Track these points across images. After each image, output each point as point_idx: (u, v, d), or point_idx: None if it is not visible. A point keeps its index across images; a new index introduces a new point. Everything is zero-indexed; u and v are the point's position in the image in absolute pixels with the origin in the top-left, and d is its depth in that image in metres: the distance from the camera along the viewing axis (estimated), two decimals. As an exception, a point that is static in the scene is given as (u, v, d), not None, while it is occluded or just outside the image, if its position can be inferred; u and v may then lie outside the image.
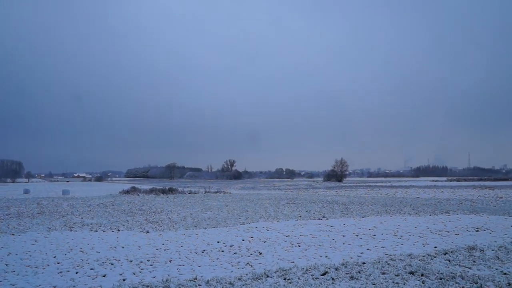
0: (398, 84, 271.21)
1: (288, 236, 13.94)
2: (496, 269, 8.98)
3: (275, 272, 8.72)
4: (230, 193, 47.52)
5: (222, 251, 11.36)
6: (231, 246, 12.05)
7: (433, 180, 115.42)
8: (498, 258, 10.10)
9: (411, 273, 8.56)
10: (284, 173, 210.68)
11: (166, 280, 8.18)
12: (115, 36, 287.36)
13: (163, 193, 43.57)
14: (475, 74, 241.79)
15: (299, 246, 12.10)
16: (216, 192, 47.55)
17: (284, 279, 8.19)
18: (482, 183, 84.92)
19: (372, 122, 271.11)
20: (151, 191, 44.99)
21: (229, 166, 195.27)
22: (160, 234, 14.66)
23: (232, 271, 9.00)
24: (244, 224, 17.37)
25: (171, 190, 45.72)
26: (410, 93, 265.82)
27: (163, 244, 12.61)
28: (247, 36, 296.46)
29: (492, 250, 11.14)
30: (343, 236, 13.88)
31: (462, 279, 8.06)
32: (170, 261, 10.11)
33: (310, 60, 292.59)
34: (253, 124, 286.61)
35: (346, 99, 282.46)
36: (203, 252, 11.23)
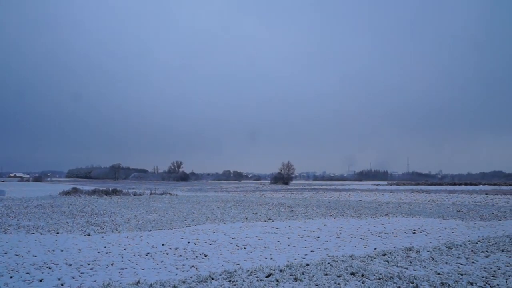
0: (345, 90, 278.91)
1: (234, 238, 13.96)
2: (431, 269, 9.46)
3: (220, 275, 8.71)
4: (176, 195, 46.86)
5: (167, 254, 11.19)
6: (176, 249, 11.90)
7: (374, 184, 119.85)
8: (433, 259, 10.64)
9: (352, 273, 8.84)
10: (232, 175, 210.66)
11: (107, 284, 7.95)
12: (49, 28, 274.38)
13: (106, 195, 42.25)
14: (416, 84, 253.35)
15: (245, 248, 12.15)
16: (162, 194, 46.74)
17: (229, 281, 8.20)
18: (419, 187, 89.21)
19: (319, 127, 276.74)
20: (94, 192, 43.49)
21: (176, 168, 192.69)
22: (102, 237, 14.21)
23: (176, 274, 8.88)
24: (190, 226, 17.20)
25: (115, 192, 44.45)
26: (356, 99, 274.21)
27: (105, 247, 12.23)
28: (197, 34, 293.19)
29: (428, 251, 11.73)
30: (288, 238, 14.10)
31: (400, 279, 8.42)
32: (112, 265, 9.83)
33: (262, 63, 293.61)
34: (201, 125, 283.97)
35: (295, 104, 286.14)
36: (147, 255, 11.00)
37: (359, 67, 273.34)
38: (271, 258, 10.64)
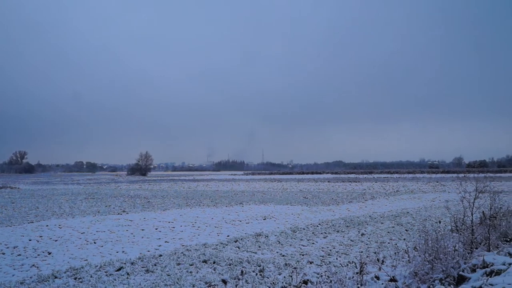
0: (204, 80, 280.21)
1: (84, 233, 13.20)
2: (277, 252, 10.20)
3: (65, 272, 8.16)
4: (18, 188, 42.40)
5: (3, 254, 10.08)
6: (14, 248, 10.79)
7: (231, 174, 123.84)
8: (279, 243, 11.48)
9: (205, 261, 9.07)
10: (85, 166, 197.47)
11: None
12: None
13: None
14: (269, 81, 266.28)
15: (95, 243, 11.58)
16: (0, 188, 41.81)
17: (75, 278, 7.74)
18: (272, 176, 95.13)
19: (178, 117, 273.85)
20: None
21: (19, 159, 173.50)
22: None
23: (14, 275, 8.07)
24: (33, 222, 15.72)
25: None
26: (215, 90, 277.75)
27: None
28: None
29: (275, 235, 12.60)
30: (143, 230, 13.83)
31: (248, 263, 8.91)
32: None
33: (109, 46, 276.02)
34: (46, 112, 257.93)
35: (151, 91, 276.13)
36: (-23, 257, 9.77)
37: (219, 60, 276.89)
38: (123, 252, 10.33)
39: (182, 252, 10.05)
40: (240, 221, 16.06)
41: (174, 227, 14.35)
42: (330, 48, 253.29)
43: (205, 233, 13.17)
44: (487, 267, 6.84)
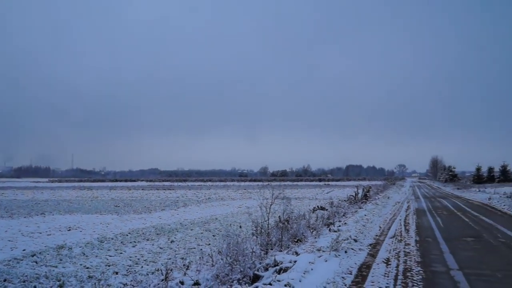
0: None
1: None
2: (81, 265, 9.69)
3: None
4: None
5: None
6: None
7: (34, 181, 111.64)
8: (84, 254, 10.92)
9: (-9, 280, 8.08)
10: None
11: None
12: None
13: None
14: (82, 78, 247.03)
15: None
16: None
17: None
18: (82, 184, 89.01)
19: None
20: None
21: None
22: None
23: None
24: None
25: None
26: (15, 85, 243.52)
27: None
28: None
29: (80, 247, 11.92)
30: None
31: (46, 278, 8.27)
32: None
33: None
34: None
35: None
36: None
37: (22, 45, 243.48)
38: None
39: (-38, 272, 8.74)
40: (41, 233, 14.69)
41: (-46, 244, 12.34)
42: (146, 54, 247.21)
43: (-5, 249, 11.68)
44: (278, 265, 7.79)
